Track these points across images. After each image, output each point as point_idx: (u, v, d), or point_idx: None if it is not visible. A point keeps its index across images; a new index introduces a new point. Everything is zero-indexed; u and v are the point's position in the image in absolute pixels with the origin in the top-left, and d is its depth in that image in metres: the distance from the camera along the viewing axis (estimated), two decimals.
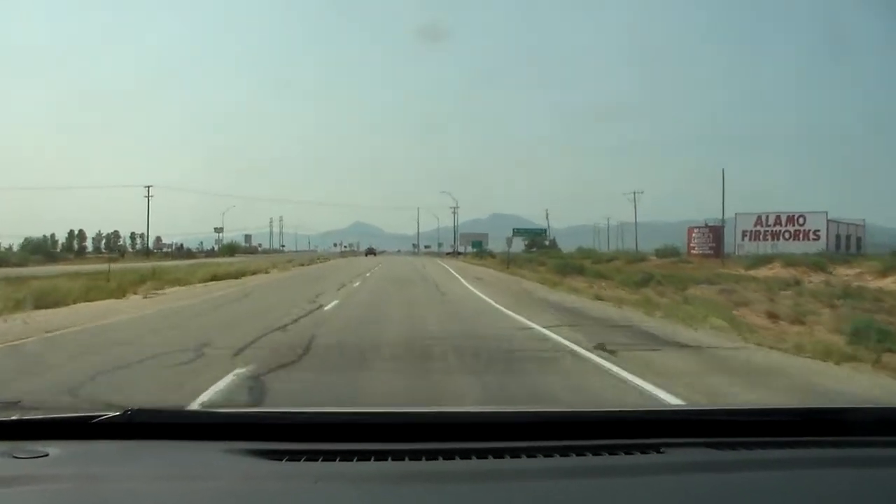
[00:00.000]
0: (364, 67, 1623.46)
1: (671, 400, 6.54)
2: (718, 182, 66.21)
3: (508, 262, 50.12)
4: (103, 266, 42.24)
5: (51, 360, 8.67)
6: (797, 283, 30.18)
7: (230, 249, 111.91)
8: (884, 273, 36.89)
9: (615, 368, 8.37)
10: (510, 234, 68.40)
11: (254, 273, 35.74)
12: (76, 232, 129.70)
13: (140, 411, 2.00)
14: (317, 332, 11.48)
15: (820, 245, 61.77)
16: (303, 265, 52.82)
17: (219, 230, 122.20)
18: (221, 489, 1.70)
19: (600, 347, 9.94)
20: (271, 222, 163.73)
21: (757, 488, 1.78)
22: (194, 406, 5.10)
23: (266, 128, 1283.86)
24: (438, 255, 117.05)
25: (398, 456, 1.85)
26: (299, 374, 7.90)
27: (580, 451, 1.91)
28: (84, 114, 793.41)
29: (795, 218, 66.48)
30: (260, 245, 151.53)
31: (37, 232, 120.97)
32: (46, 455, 1.78)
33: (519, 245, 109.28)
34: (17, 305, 14.60)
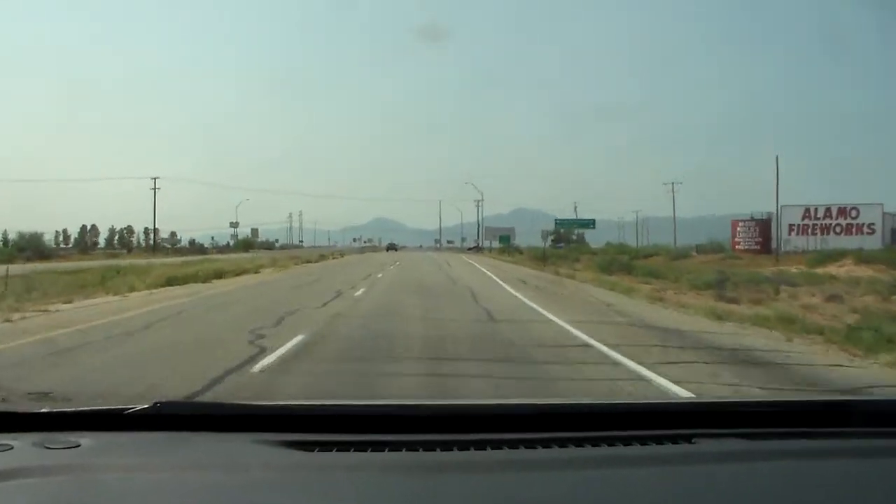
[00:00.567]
0: (380, 61, 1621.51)
1: None
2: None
3: (545, 258, 44.47)
4: (84, 264, 38.36)
5: None
6: None
7: (245, 245, 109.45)
8: None
9: None
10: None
11: (237, 274, 29.42)
12: (88, 227, 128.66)
13: (169, 403, 2.03)
14: None
15: (875, 240, 56.29)
16: (309, 262, 47.30)
17: (234, 225, 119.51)
18: (254, 479, 1.69)
19: None
20: (290, 217, 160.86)
21: (791, 478, 1.76)
22: None
23: (286, 122, 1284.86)
24: (461, 250, 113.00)
25: (429, 447, 1.86)
26: None
27: (612, 443, 1.90)
28: (91, 111, 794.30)
29: (847, 210, 60.78)
30: (277, 241, 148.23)
31: (52, 227, 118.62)
32: (79, 446, 1.79)
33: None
34: None
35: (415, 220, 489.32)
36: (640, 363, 8.52)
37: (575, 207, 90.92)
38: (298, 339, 10.23)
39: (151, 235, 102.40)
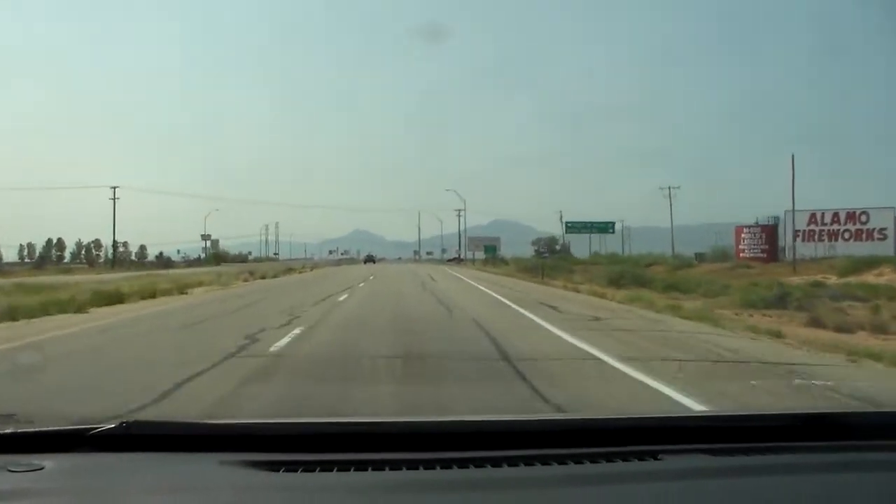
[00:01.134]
0: (361, 69, 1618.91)
1: None
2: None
3: (542, 270, 39.49)
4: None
5: None
6: None
7: (216, 258, 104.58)
8: None
9: None
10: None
11: (148, 296, 21.21)
12: (54, 241, 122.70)
13: (136, 423, 1.98)
14: None
15: (887, 246, 52.60)
16: (265, 277, 38.46)
17: (206, 237, 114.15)
18: (217, 501, 1.67)
19: None
20: (266, 229, 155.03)
21: (755, 494, 1.74)
22: None
23: (261, 132, 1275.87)
24: (441, 261, 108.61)
25: (395, 465, 1.80)
26: None
27: (578, 460, 1.88)
28: (73, 118, 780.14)
29: (857, 215, 57.17)
30: (250, 253, 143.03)
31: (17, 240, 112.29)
32: (42, 468, 1.75)
33: (527, 250, 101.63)
34: None
35: (394, 233, 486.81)
36: None
37: (561, 216, 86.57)
38: None
39: (121, 248, 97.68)
